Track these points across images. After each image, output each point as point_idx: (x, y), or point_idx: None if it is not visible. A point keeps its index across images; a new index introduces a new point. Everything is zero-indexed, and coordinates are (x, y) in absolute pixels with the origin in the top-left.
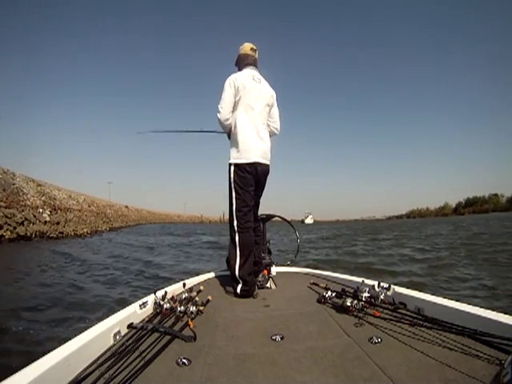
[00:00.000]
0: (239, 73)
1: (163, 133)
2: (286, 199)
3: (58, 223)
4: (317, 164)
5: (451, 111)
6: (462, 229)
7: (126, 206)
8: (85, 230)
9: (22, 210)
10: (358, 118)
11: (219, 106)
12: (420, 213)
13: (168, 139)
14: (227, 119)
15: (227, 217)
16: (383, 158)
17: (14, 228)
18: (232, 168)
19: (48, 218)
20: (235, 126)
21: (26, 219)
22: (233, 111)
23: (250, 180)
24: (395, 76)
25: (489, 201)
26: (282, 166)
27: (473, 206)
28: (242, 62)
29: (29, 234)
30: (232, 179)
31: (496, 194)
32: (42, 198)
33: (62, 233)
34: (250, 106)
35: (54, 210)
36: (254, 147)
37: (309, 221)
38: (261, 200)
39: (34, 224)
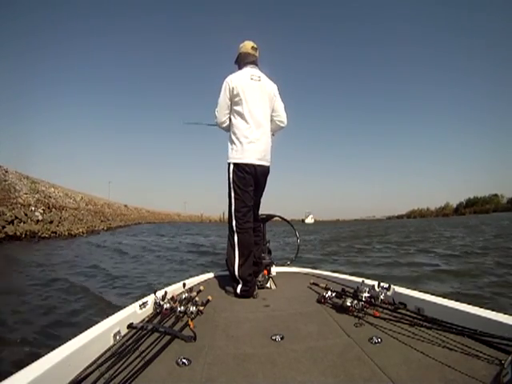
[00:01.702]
0: (236, 73)
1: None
2: (285, 199)
3: (51, 222)
4: (317, 164)
5: (451, 111)
6: None
7: (126, 205)
8: (80, 230)
9: (13, 208)
10: (359, 118)
11: (215, 110)
12: (420, 213)
13: (167, 138)
14: (223, 122)
15: (227, 216)
16: (383, 157)
17: (3, 227)
18: (231, 168)
19: (40, 217)
20: (234, 126)
21: (16, 218)
22: (232, 111)
23: (249, 180)
24: (396, 76)
25: (490, 201)
26: (281, 166)
27: (474, 206)
28: (242, 61)
29: (19, 233)
30: (231, 179)
31: (496, 195)
32: (36, 196)
33: (56, 232)
34: (249, 105)
35: (48, 208)
36: (253, 147)
37: (309, 220)
38: (260, 199)
39: (24, 223)
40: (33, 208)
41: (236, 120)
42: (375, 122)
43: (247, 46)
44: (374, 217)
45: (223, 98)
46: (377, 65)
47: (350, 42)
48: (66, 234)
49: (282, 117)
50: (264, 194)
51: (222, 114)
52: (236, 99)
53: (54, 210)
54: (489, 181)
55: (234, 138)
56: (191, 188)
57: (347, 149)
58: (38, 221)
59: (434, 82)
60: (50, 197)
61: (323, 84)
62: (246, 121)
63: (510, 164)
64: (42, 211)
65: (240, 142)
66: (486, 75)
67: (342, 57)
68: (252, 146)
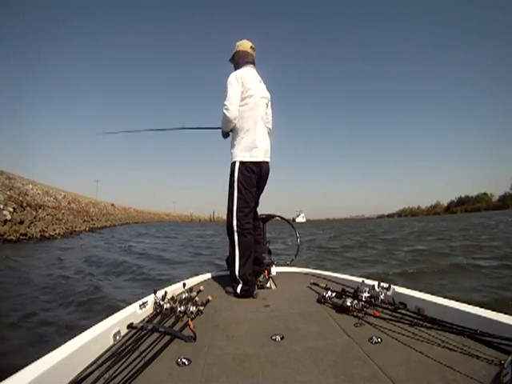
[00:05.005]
0: (243, 70)
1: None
2: (275, 197)
3: (21, 223)
4: (307, 162)
5: (443, 109)
6: None
7: (112, 205)
8: (57, 231)
9: None
10: (349, 117)
11: (227, 103)
12: (411, 211)
13: (159, 138)
14: (236, 117)
15: (217, 215)
16: (373, 157)
17: None
18: (237, 166)
19: (9, 216)
20: (241, 124)
21: None
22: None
23: (253, 180)
24: (386, 74)
25: (481, 200)
26: (272, 164)
27: (465, 204)
28: (241, 60)
29: None
30: (236, 178)
31: (485, 193)
32: (8, 193)
33: (26, 234)
34: (255, 104)
35: (21, 206)
36: (259, 145)
37: (300, 219)
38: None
39: None
40: (1, 206)
41: (243, 117)
42: (365, 120)
43: (246, 45)
44: (363, 216)
45: (236, 90)
46: (369, 63)
47: (345, 41)
48: (39, 236)
49: (270, 123)
50: None
51: (235, 107)
52: (244, 95)
53: (28, 208)
54: (478, 179)
55: (241, 135)
56: (181, 187)
57: (338, 147)
58: (5, 221)
59: (428, 80)
60: (26, 194)
61: (314, 82)
62: (252, 118)
63: (501, 163)
64: (11, 210)
65: (248, 140)
66: (481, 73)
67: (336, 56)
68: (259, 144)
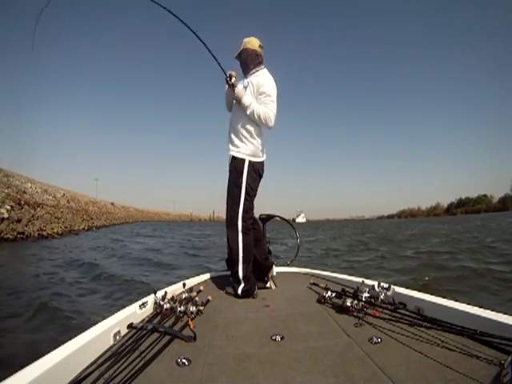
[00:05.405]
0: (270, 74)
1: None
2: (275, 197)
3: (18, 221)
4: (307, 163)
5: (443, 110)
6: None
7: (112, 203)
8: (55, 230)
9: None
10: (349, 117)
11: (275, 116)
12: (411, 213)
13: (158, 138)
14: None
15: (217, 215)
16: (373, 157)
17: None
18: (246, 166)
19: (6, 215)
20: (257, 125)
21: None
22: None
23: (258, 182)
24: (386, 74)
25: (481, 201)
26: (271, 164)
27: (465, 206)
28: (252, 60)
29: None
30: (245, 180)
31: (485, 195)
32: (6, 191)
33: (23, 233)
34: None
35: (19, 205)
36: (264, 147)
37: (301, 220)
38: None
39: None
40: None
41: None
42: (365, 121)
43: (254, 42)
44: (363, 216)
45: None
46: (368, 63)
47: (345, 41)
48: (36, 235)
49: None
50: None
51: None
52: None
53: (26, 206)
54: (478, 181)
55: (257, 135)
56: (181, 187)
57: (337, 148)
58: (2, 219)
59: (428, 80)
60: (24, 192)
61: (312, 83)
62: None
63: (501, 164)
64: (9, 208)
65: (261, 142)
66: (485, 73)
67: (333, 55)
68: (264, 144)
